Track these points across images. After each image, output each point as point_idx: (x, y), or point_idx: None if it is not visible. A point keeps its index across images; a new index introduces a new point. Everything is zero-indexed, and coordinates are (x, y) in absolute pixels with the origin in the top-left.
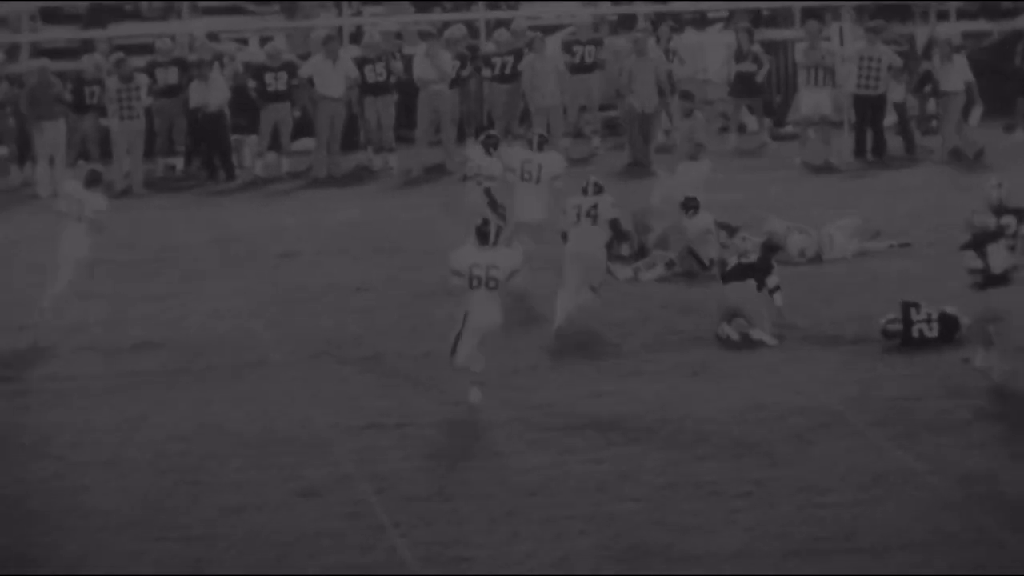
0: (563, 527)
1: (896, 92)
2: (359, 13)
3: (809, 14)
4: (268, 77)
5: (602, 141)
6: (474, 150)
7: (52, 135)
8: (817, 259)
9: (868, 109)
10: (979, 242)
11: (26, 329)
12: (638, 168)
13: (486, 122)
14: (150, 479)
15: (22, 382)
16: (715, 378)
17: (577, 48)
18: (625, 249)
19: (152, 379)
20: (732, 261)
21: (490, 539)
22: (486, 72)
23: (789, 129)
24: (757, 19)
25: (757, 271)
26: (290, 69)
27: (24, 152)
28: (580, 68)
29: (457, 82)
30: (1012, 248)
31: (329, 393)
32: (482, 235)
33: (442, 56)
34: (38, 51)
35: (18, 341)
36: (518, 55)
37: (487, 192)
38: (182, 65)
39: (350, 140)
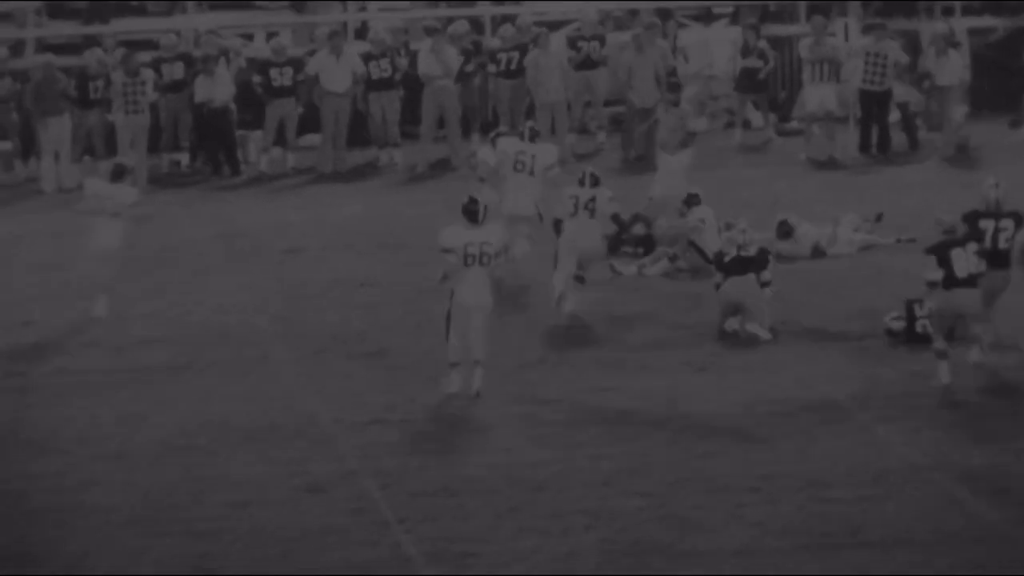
0: (569, 522)
1: (900, 89)
2: (364, 9)
3: (815, 9)
4: (273, 72)
5: (607, 137)
6: (484, 150)
7: (57, 130)
8: (821, 253)
9: (873, 105)
10: (944, 247)
11: (29, 324)
12: (641, 163)
13: (491, 118)
14: (155, 474)
15: (27, 377)
16: (721, 373)
17: (581, 44)
18: (631, 244)
19: (157, 374)
20: (731, 253)
21: (495, 534)
22: (491, 68)
23: (794, 125)
24: (763, 15)
25: (755, 265)
26: (295, 65)
27: (28, 147)
28: (584, 64)
29: (461, 77)
30: (980, 254)
31: (334, 389)
32: (470, 213)
33: (447, 51)
34: (43, 46)
35: (22, 337)
36: (523, 51)
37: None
38: (187, 60)
39: (357, 136)
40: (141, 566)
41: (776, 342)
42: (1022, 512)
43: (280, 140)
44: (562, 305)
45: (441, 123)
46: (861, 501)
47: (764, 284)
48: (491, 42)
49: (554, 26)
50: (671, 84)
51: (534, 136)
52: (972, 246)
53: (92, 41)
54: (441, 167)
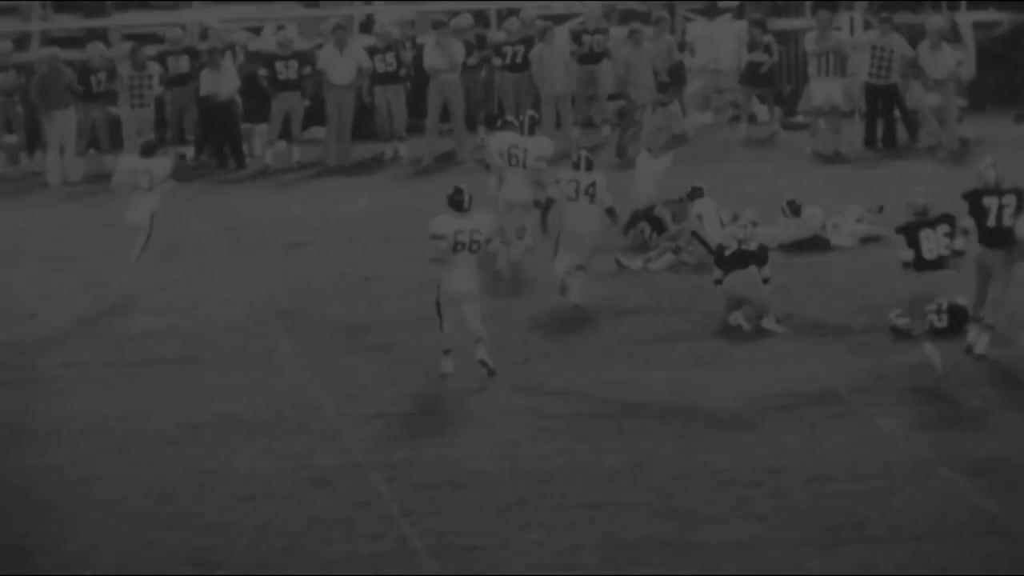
0: (574, 516)
1: (917, 92)
2: (370, 2)
3: (821, 3)
4: (279, 66)
5: (612, 130)
6: (492, 138)
7: (62, 124)
8: (824, 241)
9: (879, 98)
10: (914, 227)
11: (34, 317)
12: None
13: (496, 111)
14: (160, 468)
15: (32, 370)
16: (726, 367)
17: (585, 37)
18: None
19: (162, 368)
20: (732, 247)
21: (500, 528)
22: (496, 61)
23: (800, 119)
24: (770, 9)
25: (756, 259)
26: (300, 58)
27: (34, 140)
28: (587, 58)
29: (465, 70)
30: (950, 235)
31: (339, 382)
32: (456, 203)
33: (452, 45)
34: (48, 40)
35: (27, 330)
36: (528, 44)
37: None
38: (193, 54)
39: (363, 130)
40: (146, 560)
41: (781, 336)
42: None
43: (285, 133)
44: (566, 293)
45: (446, 116)
46: (865, 495)
47: (764, 280)
48: (496, 35)
49: (559, 20)
50: (661, 84)
51: (533, 126)
52: (943, 228)
53: (97, 35)
54: (447, 160)
